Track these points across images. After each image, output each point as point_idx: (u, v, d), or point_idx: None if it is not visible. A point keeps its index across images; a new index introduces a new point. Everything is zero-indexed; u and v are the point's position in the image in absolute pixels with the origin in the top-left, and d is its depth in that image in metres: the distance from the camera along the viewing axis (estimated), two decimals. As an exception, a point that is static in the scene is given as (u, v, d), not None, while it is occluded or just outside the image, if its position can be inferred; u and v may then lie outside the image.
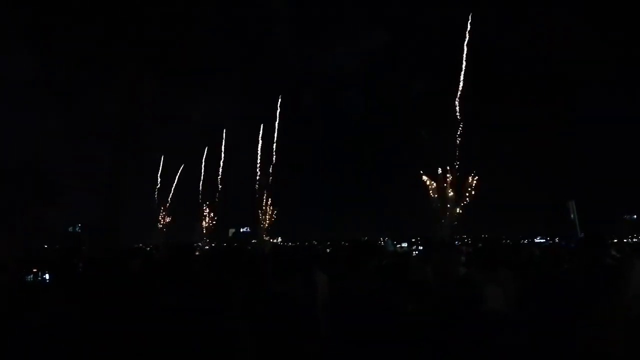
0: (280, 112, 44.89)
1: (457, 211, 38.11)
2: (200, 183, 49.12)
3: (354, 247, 4.05)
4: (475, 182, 37.61)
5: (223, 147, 47.38)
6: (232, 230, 58.91)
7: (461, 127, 37.08)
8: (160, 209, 49.53)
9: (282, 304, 3.17)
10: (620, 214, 49.18)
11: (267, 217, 45.36)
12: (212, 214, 48.84)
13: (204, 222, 48.60)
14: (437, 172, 38.20)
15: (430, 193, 38.55)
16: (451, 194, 37.95)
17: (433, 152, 38.40)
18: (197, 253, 7.20)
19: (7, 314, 3.49)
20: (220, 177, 48.01)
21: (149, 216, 49.09)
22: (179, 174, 48.89)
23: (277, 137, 44.94)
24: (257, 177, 45.65)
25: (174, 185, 49.03)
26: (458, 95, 37.09)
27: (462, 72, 36.84)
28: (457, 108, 37.29)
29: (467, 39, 36.56)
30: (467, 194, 37.73)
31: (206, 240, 46.76)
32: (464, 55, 36.71)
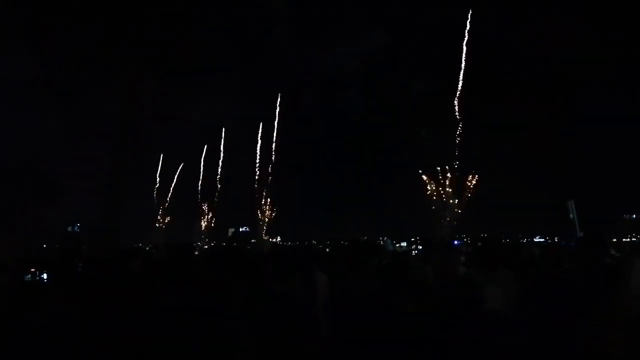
0: (279, 112, 44.89)
1: (457, 211, 38.11)
2: (200, 183, 49.13)
3: (354, 246, 4.05)
4: (474, 181, 37.61)
5: (222, 147, 47.37)
6: (231, 230, 58.93)
7: (461, 127, 37.09)
8: (160, 209, 49.53)
9: (282, 304, 3.17)
10: (620, 213, 49.23)
11: (266, 216, 45.35)
12: (211, 214, 48.86)
13: (203, 222, 48.61)
14: (437, 172, 38.20)
15: (429, 193, 38.55)
16: (450, 192, 37.94)
17: (433, 152, 38.40)
18: (196, 253, 7.20)
19: (7, 314, 3.49)
20: (219, 176, 48.02)
21: (148, 216, 49.07)
22: (178, 173, 48.89)
23: (276, 137, 44.93)
24: (257, 177, 45.65)
25: (173, 184, 49.02)
26: (457, 95, 37.09)
27: (462, 72, 36.84)
28: (457, 108, 37.30)
29: (466, 39, 36.56)
30: (467, 194, 37.75)
31: (206, 240, 46.75)
32: (464, 55, 36.71)
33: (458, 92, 37.08)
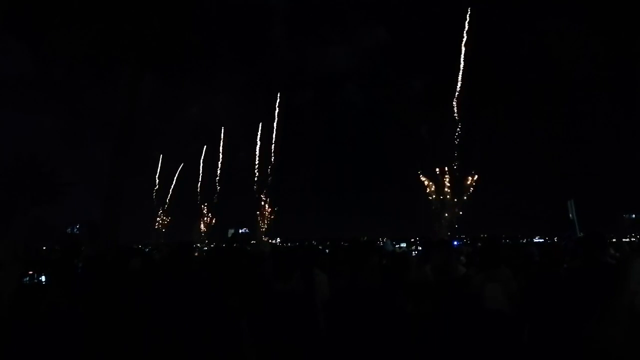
0: (279, 112, 44.90)
1: (456, 211, 38.12)
2: (199, 183, 49.13)
3: (354, 247, 4.05)
4: (474, 182, 37.62)
5: (221, 147, 47.36)
6: (231, 231, 58.89)
7: (460, 127, 37.09)
8: (159, 210, 49.53)
9: (282, 304, 3.17)
10: (620, 213, 49.23)
11: (266, 217, 45.35)
12: (210, 215, 48.84)
13: (202, 223, 48.60)
14: (436, 172, 38.20)
15: (429, 193, 38.55)
16: (450, 193, 37.94)
17: (432, 152, 38.42)
18: (196, 254, 7.19)
19: (7, 314, 3.49)
20: (218, 178, 48.02)
21: (147, 216, 49.11)
22: (177, 174, 48.90)
23: (275, 137, 44.94)
24: (256, 178, 45.66)
25: (173, 185, 49.04)
26: (456, 95, 37.10)
27: (461, 72, 36.85)
28: (455, 108, 37.30)
29: (465, 39, 36.58)
30: (466, 194, 37.74)
31: (205, 241, 46.75)
32: (462, 55, 36.72)
33: (457, 92, 37.11)
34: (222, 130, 48.53)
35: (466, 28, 36.44)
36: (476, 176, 37.25)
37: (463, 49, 36.61)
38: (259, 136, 46.43)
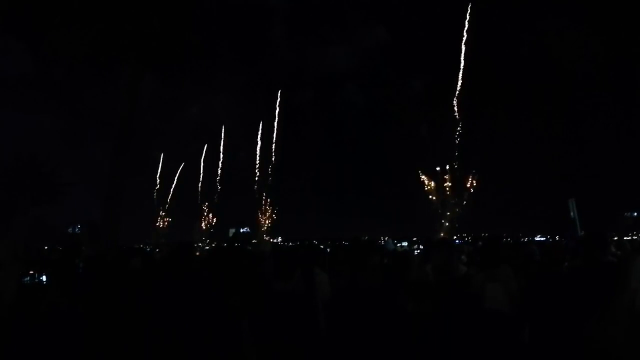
0: (279, 112, 44.91)
1: (457, 210, 38.11)
2: (199, 183, 49.15)
3: (355, 246, 4.04)
4: (474, 181, 37.61)
5: (222, 147, 47.40)
6: (232, 231, 58.94)
7: (460, 127, 37.09)
8: (160, 209, 49.55)
9: (283, 304, 3.16)
10: (621, 211, 49.21)
11: (267, 217, 45.35)
12: (211, 215, 48.84)
13: (203, 223, 48.61)
14: (436, 172, 38.20)
15: (429, 193, 38.55)
16: (451, 192, 37.94)
17: (432, 152, 38.42)
18: (197, 253, 7.19)
19: (7, 314, 3.48)
20: (219, 177, 48.04)
21: (147, 216, 49.14)
22: (178, 173, 48.92)
23: (276, 137, 44.95)
24: (256, 178, 45.67)
25: (174, 185, 49.06)
26: (457, 95, 37.09)
27: (461, 72, 36.84)
28: (456, 108, 37.29)
29: (465, 39, 36.56)
30: (467, 193, 37.74)
31: (207, 241, 46.77)
32: (463, 54, 36.70)
33: (457, 92, 37.09)
34: (223, 129, 48.57)
35: (466, 28, 36.43)
36: (476, 176, 37.24)
37: (463, 48, 36.60)
38: (259, 136, 46.45)
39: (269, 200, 45.90)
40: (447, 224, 37.78)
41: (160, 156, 49.91)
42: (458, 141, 37.13)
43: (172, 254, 4.68)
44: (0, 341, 3.12)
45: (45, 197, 28.93)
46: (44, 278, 6.37)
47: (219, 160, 48.57)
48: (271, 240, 44.55)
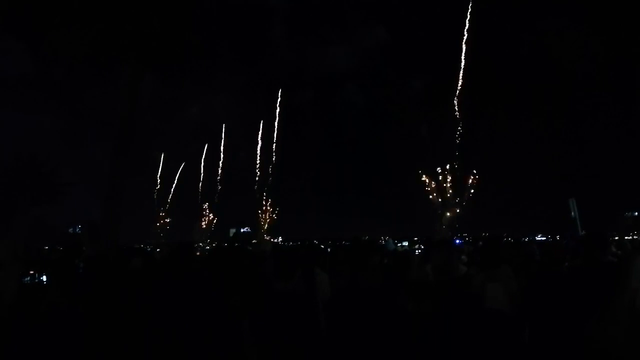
0: (279, 112, 44.91)
1: (457, 210, 38.11)
2: (200, 183, 49.15)
3: (355, 246, 4.04)
4: (475, 181, 37.61)
5: (222, 147, 47.42)
6: (232, 230, 58.96)
7: (460, 127, 37.09)
8: (160, 209, 49.55)
9: (283, 304, 3.16)
10: (621, 211, 49.18)
11: (267, 217, 45.35)
12: (212, 215, 48.84)
13: (203, 223, 48.61)
14: (437, 171, 38.20)
15: (429, 193, 38.55)
16: (451, 192, 37.93)
17: (432, 152, 38.43)
18: (197, 253, 7.19)
19: (7, 314, 3.48)
20: (219, 177, 48.04)
21: (148, 216, 49.16)
22: (178, 173, 48.93)
23: (276, 137, 44.96)
24: (257, 177, 45.67)
25: (174, 185, 49.07)
26: (457, 94, 37.09)
27: (461, 72, 36.85)
28: (456, 108, 37.30)
29: (465, 39, 36.57)
30: (467, 193, 37.74)
31: (207, 241, 46.79)
32: (463, 54, 36.70)
33: (457, 92, 37.09)
34: (223, 129, 48.57)
35: (466, 27, 36.44)
36: (476, 176, 37.24)
37: (463, 48, 36.61)
38: (259, 136, 46.47)
39: (269, 200, 45.93)
40: (446, 224, 37.79)
41: (160, 156, 49.94)
42: (458, 141, 37.17)
43: (172, 254, 4.68)
44: (0, 341, 3.12)
45: (45, 197, 28.93)
46: (44, 278, 6.36)
47: (219, 160, 48.61)
48: (271, 240, 44.56)
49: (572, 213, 12.38)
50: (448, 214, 38.08)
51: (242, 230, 58.55)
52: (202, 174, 49.87)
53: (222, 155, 48.83)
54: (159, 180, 50.02)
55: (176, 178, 49.93)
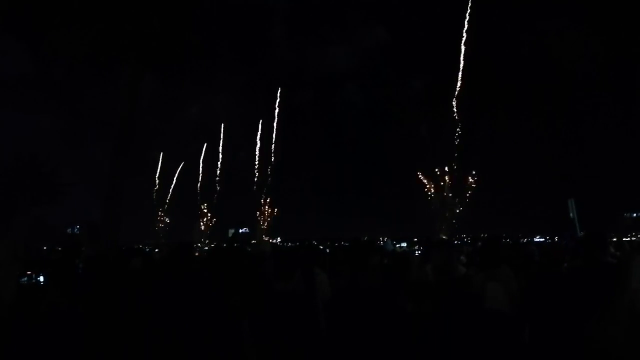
0: (279, 112, 44.91)
1: (457, 211, 38.13)
2: (199, 183, 49.13)
3: (355, 246, 4.05)
4: (474, 181, 37.63)
5: (221, 147, 47.40)
6: (231, 231, 58.91)
7: (460, 127, 37.12)
8: (159, 210, 49.53)
9: (283, 304, 3.16)
10: (621, 211, 49.22)
11: (266, 217, 45.35)
12: (210, 215, 48.82)
13: (202, 223, 48.59)
14: (436, 172, 38.22)
15: (428, 191, 38.56)
16: (450, 192, 37.95)
17: (432, 152, 38.45)
18: (196, 254, 7.19)
19: (7, 314, 3.48)
20: (218, 177, 48.03)
21: (147, 216, 49.14)
22: (177, 173, 48.91)
23: (276, 137, 44.96)
24: (256, 178, 45.67)
25: (173, 185, 49.06)
26: (456, 95, 37.12)
27: (460, 72, 36.88)
28: (455, 108, 37.33)
29: (464, 39, 36.59)
30: (467, 194, 37.76)
31: (206, 241, 46.77)
32: (462, 54, 36.73)
33: (457, 92, 37.12)
34: (222, 129, 48.56)
35: (466, 28, 36.47)
36: (476, 176, 37.26)
37: (463, 48, 36.65)
38: (259, 136, 46.47)
39: (268, 200, 45.92)
40: (446, 224, 37.82)
41: (159, 156, 49.92)
42: (458, 141, 37.19)
43: (172, 254, 4.68)
44: (0, 341, 3.12)
45: (45, 197, 28.93)
46: (41, 279, 6.35)
47: (219, 160, 48.60)
48: (271, 240, 44.55)
49: (571, 214, 12.38)
50: (447, 214, 38.11)
51: (240, 230, 58.50)
52: (201, 174, 49.87)
53: (221, 155, 48.84)
54: (157, 180, 50.02)
55: (175, 178, 49.93)
